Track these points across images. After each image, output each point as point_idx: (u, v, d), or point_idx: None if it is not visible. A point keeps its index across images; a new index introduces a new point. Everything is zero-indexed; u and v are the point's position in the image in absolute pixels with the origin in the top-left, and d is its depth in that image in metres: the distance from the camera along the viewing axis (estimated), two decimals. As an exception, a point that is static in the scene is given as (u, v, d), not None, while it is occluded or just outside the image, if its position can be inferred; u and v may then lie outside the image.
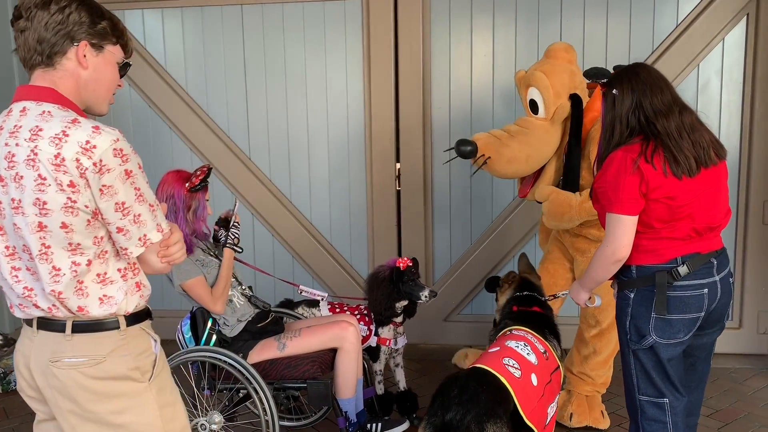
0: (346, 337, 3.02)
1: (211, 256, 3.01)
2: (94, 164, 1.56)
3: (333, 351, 3.06)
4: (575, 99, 3.17)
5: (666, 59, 4.10)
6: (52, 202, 1.57)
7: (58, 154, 1.55)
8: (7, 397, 3.87)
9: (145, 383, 1.76)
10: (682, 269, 2.25)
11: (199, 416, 2.92)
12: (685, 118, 2.26)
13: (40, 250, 1.62)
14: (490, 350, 2.58)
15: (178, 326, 3.09)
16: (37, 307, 1.70)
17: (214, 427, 2.92)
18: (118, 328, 1.73)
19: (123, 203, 1.62)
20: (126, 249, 1.68)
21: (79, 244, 1.63)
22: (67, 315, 1.69)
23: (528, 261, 3.29)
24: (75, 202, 1.57)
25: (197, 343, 2.98)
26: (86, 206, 1.59)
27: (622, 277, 2.37)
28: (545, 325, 2.84)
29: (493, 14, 4.28)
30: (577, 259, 3.40)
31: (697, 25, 4.09)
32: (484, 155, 3.18)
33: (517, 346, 2.56)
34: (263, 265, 4.05)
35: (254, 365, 2.93)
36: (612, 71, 2.60)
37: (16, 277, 1.70)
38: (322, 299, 3.46)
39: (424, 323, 4.42)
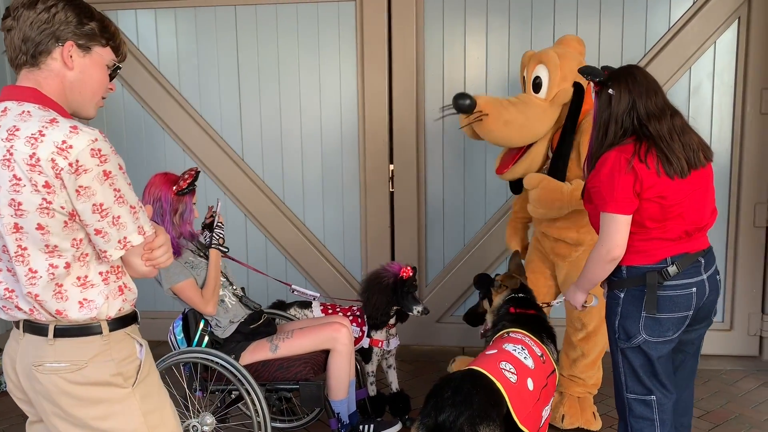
0: (339, 338, 3.02)
1: (201, 257, 3.01)
2: (70, 164, 1.53)
3: (325, 352, 3.06)
4: (578, 87, 3.20)
5: (658, 62, 4.12)
6: (27, 203, 1.55)
7: (33, 154, 1.52)
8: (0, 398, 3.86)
9: (128, 389, 1.73)
10: (672, 269, 2.30)
11: (190, 418, 2.91)
12: (676, 121, 2.31)
13: (16, 252, 1.60)
14: (487, 352, 2.59)
15: (170, 327, 3.08)
16: (19, 309, 1.68)
17: (205, 428, 2.91)
18: (101, 333, 1.69)
19: (101, 205, 1.58)
20: (105, 252, 1.64)
21: (56, 246, 1.59)
22: (48, 318, 1.67)
23: (519, 261, 3.27)
24: (50, 203, 1.55)
25: (189, 344, 2.98)
26: (62, 207, 1.56)
27: (613, 278, 2.40)
28: (542, 329, 2.85)
29: (486, 16, 4.29)
30: (558, 264, 3.39)
31: (689, 28, 4.11)
32: (481, 111, 3.15)
33: (515, 350, 2.56)
34: (256, 267, 4.05)
35: (246, 366, 2.93)
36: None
37: None
38: (314, 299, 3.46)
39: (417, 325, 4.42)
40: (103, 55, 1.73)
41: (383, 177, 4.48)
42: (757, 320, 4.30)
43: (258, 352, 2.99)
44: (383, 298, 3.27)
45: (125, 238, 1.63)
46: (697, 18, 4.09)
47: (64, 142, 1.53)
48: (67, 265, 1.62)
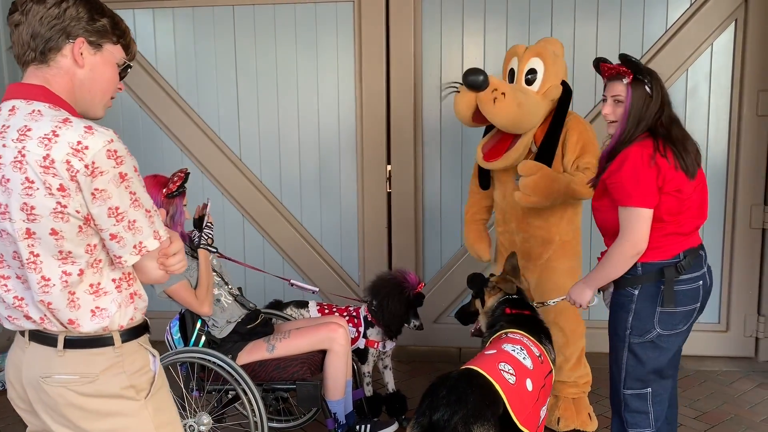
0: (336, 338, 3.02)
1: (195, 258, 3.01)
2: (86, 166, 1.46)
3: (322, 352, 3.07)
4: (566, 86, 3.24)
5: (655, 63, 4.12)
6: (40, 206, 1.47)
7: (47, 155, 1.45)
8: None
9: (140, 401, 1.66)
10: (686, 263, 2.39)
11: (187, 417, 2.91)
12: (682, 129, 2.44)
13: (28, 258, 1.52)
14: (486, 352, 2.59)
15: (167, 327, 3.09)
16: (28, 318, 1.61)
17: (202, 428, 2.91)
18: (113, 344, 1.63)
19: (117, 208, 1.51)
20: (120, 257, 1.56)
21: (70, 252, 1.52)
22: (59, 328, 1.59)
23: (514, 262, 3.19)
24: (65, 206, 1.47)
25: (186, 344, 2.98)
26: (77, 211, 1.49)
27: (626, 275, 2.44)
28: (540, 329, 2.85)
29: (484, 18, 4.30)
30: (529, 269, 3.30)
31: (686, 30, 4.12)
32: (497, 89, 3.06)
33: (514, 350, 2.57)
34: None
35: (243, 366, 2.93)
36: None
37: (5, 286, 1.61)
38: (314, 293, 3.47)
39: (414, 325, 4.43)
40: (114, 53, 1.67)
41: (380, 177, 4.49)
42: (753, 321, 4.31)
43: (255, 352, 2.99)
44: (401, 307, 3.29)
45: (141, 243, 1.56)
46: (694, 20, 4.11)
47: (79, 143, 1.47)
48: (81, 272, 1.55)
